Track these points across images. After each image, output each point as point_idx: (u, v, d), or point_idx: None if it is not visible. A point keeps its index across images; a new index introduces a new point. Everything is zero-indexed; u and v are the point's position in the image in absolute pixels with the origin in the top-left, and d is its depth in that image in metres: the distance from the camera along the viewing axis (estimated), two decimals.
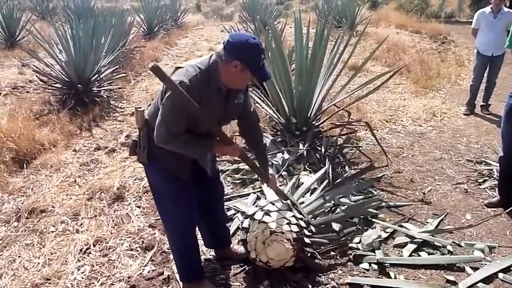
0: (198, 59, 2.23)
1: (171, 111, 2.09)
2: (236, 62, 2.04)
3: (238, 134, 2.77)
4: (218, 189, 2.79)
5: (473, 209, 3.69)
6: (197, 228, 2.69)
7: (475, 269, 2.85)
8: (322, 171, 3.81)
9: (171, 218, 2.48)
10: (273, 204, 2.81)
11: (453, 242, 3.15)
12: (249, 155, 2.65)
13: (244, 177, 4.05)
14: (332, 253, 2.99)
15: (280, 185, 3.70)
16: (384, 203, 3.68)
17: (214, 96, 2.17)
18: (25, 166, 4.48)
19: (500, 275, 2.77)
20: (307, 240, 2.73)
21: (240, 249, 2.88)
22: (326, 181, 3.70)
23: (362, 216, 3.42)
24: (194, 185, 2.46)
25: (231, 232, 3.10)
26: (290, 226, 2.65)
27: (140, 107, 2.32)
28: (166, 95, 2.10)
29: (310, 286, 2.65)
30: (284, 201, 2.80)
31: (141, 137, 2.32)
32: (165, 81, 2.03)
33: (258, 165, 2.64)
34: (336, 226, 3.22)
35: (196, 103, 2.07)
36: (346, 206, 3.45)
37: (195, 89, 2.07)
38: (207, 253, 2.99)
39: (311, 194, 3.54)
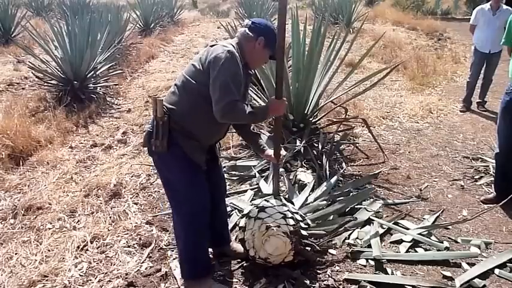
0: (222, 41, 2.47)
1: (229, 77, 2.25)
2: (261, 38, 2.39)
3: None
4: (221, 186, 2.81)
5: (469, 205, 3.70)
6: None
7: (471, 264, 2.86)
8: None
9: (189, 198, 2.44)
10: (267, 200, 2.83)
11: (449, 238, 3.17)
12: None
13: (242, 173, 4.05)
14: (330, 250, 3.00)
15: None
16: (379, 200, 3.68)
17: (243, 71, 2.37)
18: (21, 163, 4.46)
19: (496, 271, 2.79)
20: (304, 232, 2.74)
21: (239, 247, 2.88)
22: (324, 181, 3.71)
23: (358, 207, 3.46)
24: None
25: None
26: (286, 220, 2.67)
27: (158, 97, 2.39)
28: (219, 64, 2.24)
29: (308, 282, 2.66)
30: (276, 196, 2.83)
31: (160, 127, 2.33)
32: None
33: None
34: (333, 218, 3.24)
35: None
36: (342, 198, 3.49)
37: (238, 62, 2.31)
38: None
39: (310, 191, 3.55)
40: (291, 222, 2.68)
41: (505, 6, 5.86)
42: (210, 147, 2.61)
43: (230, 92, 2.22)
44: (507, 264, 2.86)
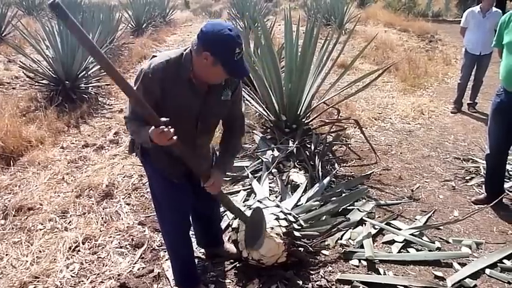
0: (178, 49, 2.08)
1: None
2: (206, 54, 1.87)
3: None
4: None
5: (460, 205, 3.73)
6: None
7: (462, 264, 2.88)
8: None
9: (164, 216, 2.46)
10: (260, 202, 2.83)
11: (441, 239, 3.19)
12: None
13: (234, 174, 4.05)
14: (322, 251, 3.01)
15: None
16: (372, 200, 3.70)
17: (183, 88, 2.02)
18: (12, 163, 4.43)
19: (487, 271, 2.81)
20: (297, 233, 2.75)
21: (232, 247, 2.88)
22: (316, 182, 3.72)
23: (350, 208, 3.48)
24: (190, 183, 2.39)
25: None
26: (279, 221, 2.68)
27: None
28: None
29: (301, 282, 2.66)
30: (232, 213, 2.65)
31: None
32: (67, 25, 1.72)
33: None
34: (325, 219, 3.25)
35: (157, 92, 1.98)
36: (334, 198, 3.51)
37: (156, 77, 1.96)
38: (196, 251, 2.98)
39: (303, 192, 3.56)
40: (284, 223, 2.69)
41: (494, 9, 5.91)
42: None
43: (128, 109, 2.11)
44: (498, 264, 2.88)
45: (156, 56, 2.06)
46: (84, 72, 6.75)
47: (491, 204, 3.47)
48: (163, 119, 1.84)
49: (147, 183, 3.95)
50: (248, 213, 2.65)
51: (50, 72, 6.49)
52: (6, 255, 3.03)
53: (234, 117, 2.35)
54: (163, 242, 3.10)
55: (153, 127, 1.87)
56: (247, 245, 2.60)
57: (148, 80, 1.99)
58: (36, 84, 6.65)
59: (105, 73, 1.90)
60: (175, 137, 1.88)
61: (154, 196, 2.46)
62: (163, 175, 2.29)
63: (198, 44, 1.90)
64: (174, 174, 2.28)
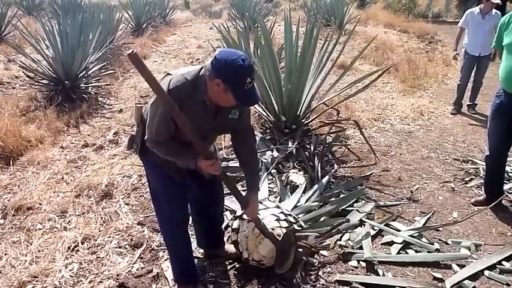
0: (189, 68, 2.14)
1: (154, 118, 2.08)
2: (218, 81, 1.94)
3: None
4: (218, 191, 2.74)
5: (459, 207, 3.73)
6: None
7: (461, 266, 2.88)
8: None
9: (163, 212, 2.48)
10: (261, 203, 2.83)
11: (440, 240, 3.19)
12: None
13: (233, 174, 4.05)
14: (321, 252, 3.01)
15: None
16: (371, 201, 3.70)
17: (198, 108, 2.09)
18: (11, 163, 4.42)
19: (486, 273, 2.82)
20: (297, 234, 2.75)
21: (231, 248, 2.88)
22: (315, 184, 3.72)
23: (349, 209, 3.48)
24: (193, 184, 2.47)
25: None
26: (279, 222, 2.68)
27: (140, 103, 2.33)
28: (151, 100, 2.10)
29: (299, 283, 2.66)
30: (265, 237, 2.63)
31: (137, 132, 2.35)
32: (143, 72, 1.87)
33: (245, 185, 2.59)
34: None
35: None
36: (333, 199, 3.51)
37: (175, 97, 2.00)
38: (196, 251, 2.98)
39: (302, 193, 3.57)
40: (285, 224, 2.69)
41: (494, 11, 5.91)
42: None
43: (152, 131, 2.12)
44: (497, 265, 2.89)
45: (170, 74, 2.12)
46: (84, 72, 6.74)
47: (491, 205, 3.47)
48: (211, 149, 2.00)
49: (146, 183, 3.97)
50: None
51: (50, 72, 6.48)
52: (5, 254, 3.03)
53: (244, 131, 2.41)
54: (162, 242, 3.10)
55: (200, 157, 2.11)
56: (276, 265, 2.62)
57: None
58: (36, 84, 6.64)
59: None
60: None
61: (154, 193, 2.49)
62: (163, 170, 2.32)
63: (211, 71, 1.97)
64: (175, 171, 2.32)
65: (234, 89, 1.96)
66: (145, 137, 2.16)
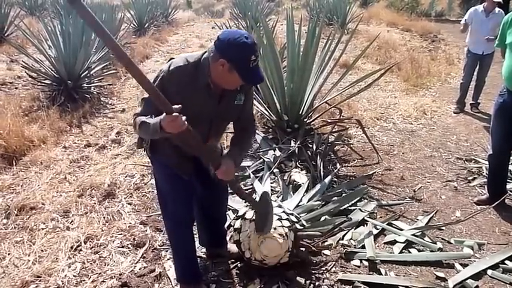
0: (192, 53, 2.14)
1: (147, 97, 2.03)
2: (222, 61, 1.93)
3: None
4: (221, 190, 2.73)
5: (462, 206, 3.72)
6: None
7: (464, 265, 2.88)
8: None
9: (168, 211, 2.49)
10: None
11: (443, 239, 3.18)
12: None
13: (236, 174, 4.04)
14: (324, 251, 3.01)
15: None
16: (373, 200, 3.69)
17: (200, 92, 2.07)
18: (14, 163, 4.43)
19: (489, 272, 2.81)
20: (299, 233, 2.75)
21: (233, 247, 2.89)
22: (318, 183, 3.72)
23: (352, 208, 3.48)
24: (197, 183, 2.47)
25: None
26: (281, 221, 2.68)
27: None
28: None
29: (302, 282, 2.66)
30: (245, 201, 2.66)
31: None
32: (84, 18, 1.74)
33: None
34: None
35: (172, 94, 1.96)
36: (335, 198, 3.51)
37: (173, 80, 2.00)
38: (198, 250, 2.98)
39: (305, 192, 3.56)
40: (287, 223, 2.69)
41: (497, 9, 5.89)
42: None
43: (139, 106, 2.11)
44: (500, 265, 2.88)
45: (173, 58, 2.11)
46: (86, 72, 6.75)
47: (494, 205, 3.47)
48: (175, 106, 1.83)
49: (149, 182, 3.99)
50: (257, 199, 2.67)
51: (52, 72, 6.50)
52: (9, 254, 3.04)
53: (245, 119, 2.39)
54: (164, 241, 3.11)
55: (164, 114, 1.86)
56: (257, 229, 2.59)
57: (166, 81, 2.03)
58: (39, 84, 6.66)
59: (117, 59, 1.85)
60: (186, 123, 1.87)
61: (160, 192, 2.49)
62: (171, 170, 2.31)
63: (215, 51, 1.95)
64: (183, 170, 2.32)
65: (239, 68, 1.94)
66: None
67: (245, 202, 2.61)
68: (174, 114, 1.83)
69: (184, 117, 1.86)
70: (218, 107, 2.17)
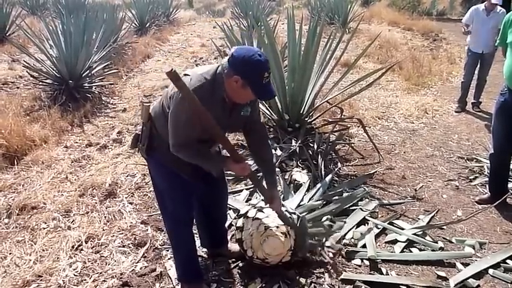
0: (205, 68, 2.18)
1: (177, 121, 2.09)
2: (236, 77, 1.99)
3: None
4: (222, 190, 2.75)
5: (464, 205, 3.71)
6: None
7: (465, 264, 2.87)
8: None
9: (168, 211, 2.49)
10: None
11: (444, 238, 3.18)
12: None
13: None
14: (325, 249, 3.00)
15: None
16: (375, 200, 3.69)
17: (217, 107, 2.13)
18: (16, 162, 4.44)
19: (491, 271, 2.80)
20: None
21: (234, 247, 2.89)
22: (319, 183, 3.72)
23: (353, 208, 3.47)
24: (197, 182, 2.46)
25: None
26: None
27: (147, 102, 2.33)
28: (174, 103, 2.08)
29: (303, 282, 2.66)
30: (287, 225, 2.70)
31: (143, 131, 2.35)
32: (181, 89, 1.95)
33: (263, 183, 2.60)
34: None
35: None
36: (337, 198, 3.51)
37: (197, 97, 2.01)
38: (199, 249, 2.98)
39: (306, 191, 3.56)
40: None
41: (499, 8, 5.88)
42: None
43: (177, 136, 2.13)
44: (501, 264, 2.87)
45: (188, 75, 2.14)
46: (87, 71, 6.76)
47: (495, 204, 3.46)
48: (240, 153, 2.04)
49: (150, 182, 3.97)
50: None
51: (54, 72, 6.51)
52: (10, 253, 3.04)
53: (254, 122, 2.47)
54: (165, 241, 3.11)
55: (229, 160, 2.25)
56: (298, 249, 2.72)
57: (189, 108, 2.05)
58: (40, 83, 6.67)
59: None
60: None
61: (159, 191, 2.50)
62: (169, 169, 2.33)
63: (229, 68, 2.02)
64: (183, 170, 2.33)
65: (252, 84, 2.01)
66: (170, 142, 2.15)
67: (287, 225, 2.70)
68: (245, 162, 2.25)
69: (250, 163, 2.11)
70: (229, 119, 2.24)
